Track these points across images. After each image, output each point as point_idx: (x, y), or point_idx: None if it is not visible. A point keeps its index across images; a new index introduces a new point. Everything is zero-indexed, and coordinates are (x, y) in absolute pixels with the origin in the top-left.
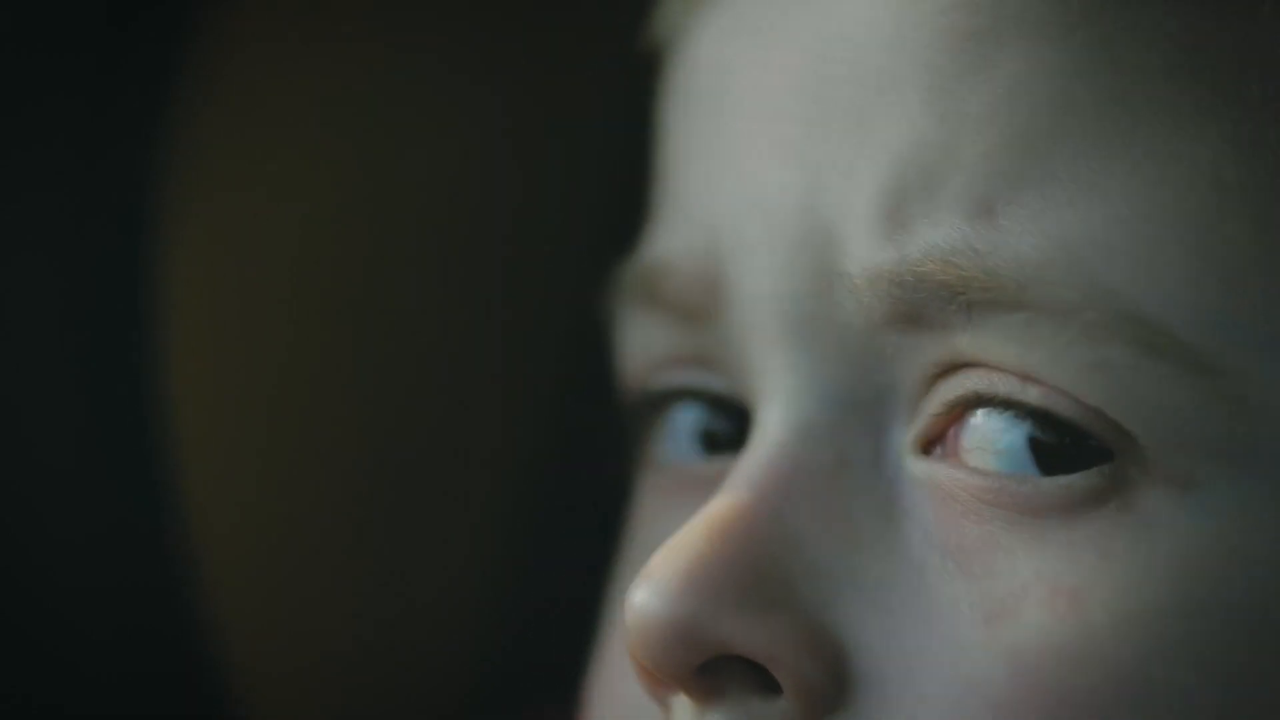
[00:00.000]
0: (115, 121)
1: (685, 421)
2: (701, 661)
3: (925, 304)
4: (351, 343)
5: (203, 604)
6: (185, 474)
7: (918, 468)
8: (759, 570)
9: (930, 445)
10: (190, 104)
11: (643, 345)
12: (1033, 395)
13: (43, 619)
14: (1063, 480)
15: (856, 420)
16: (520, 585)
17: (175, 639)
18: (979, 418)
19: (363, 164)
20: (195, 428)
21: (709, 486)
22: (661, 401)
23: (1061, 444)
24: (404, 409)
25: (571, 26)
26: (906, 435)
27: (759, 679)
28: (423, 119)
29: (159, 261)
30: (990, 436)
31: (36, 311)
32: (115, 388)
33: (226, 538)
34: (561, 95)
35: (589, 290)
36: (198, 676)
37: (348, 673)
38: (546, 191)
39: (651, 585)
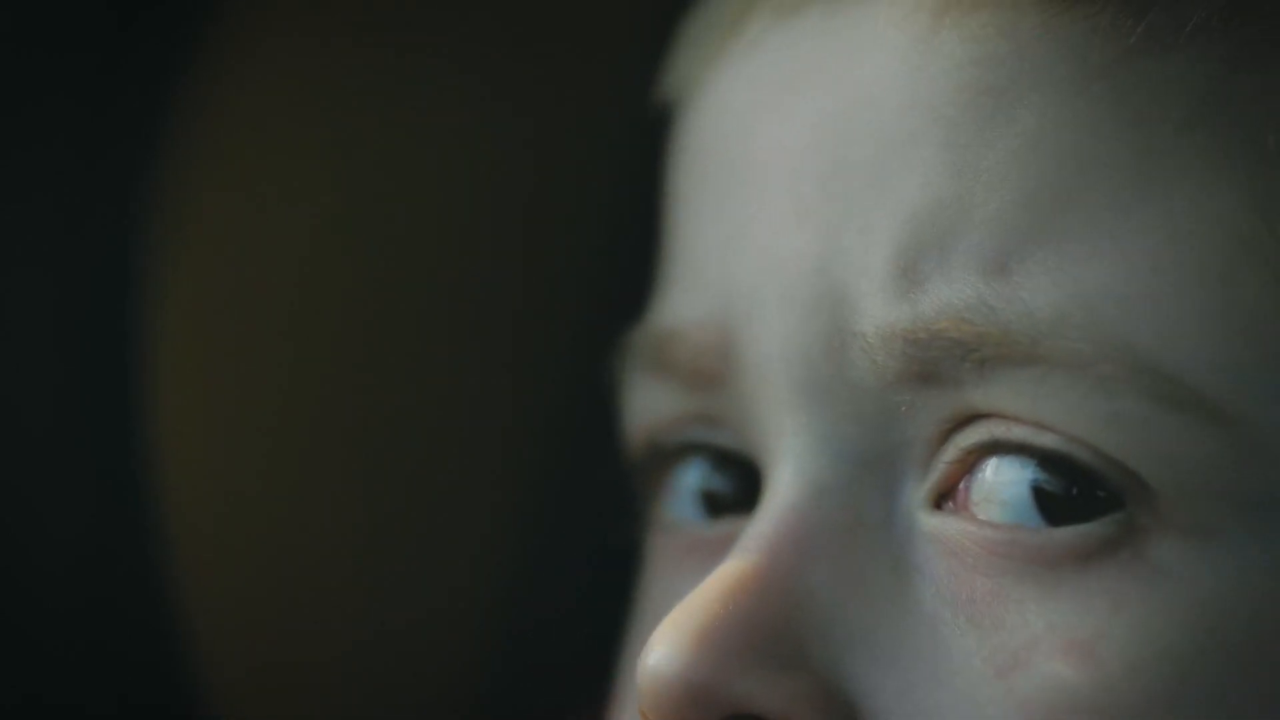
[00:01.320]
0: (115, 122)
1: (690, 481)
2: None
3: (939, 361)
4: (352, 348)
5: (196, 607)
6: (181, 477)
7: (930, 523)
8: (773, 630)
9: (942, 500)
10: (192, 105)
11: (651, 409)
12: (1049, 440)
13: (36, 616)
14: (1074, 530)
15: (869, 478)
16: (522, 594)
17: (170, 645)
18: (989, 469)
19: (367, 168)
20: (194, 431)
21: (717, 548)
22: (667, 460)
23: (1069, 494)
24: (406, 415)
25: (592, 68)
26: (920, 490)
27: None
28: (430, 124)
29: (157, 263)
30: (998, 487)
31: (32, 312)
32: (109, 388)
33: (224, 543)
34: (582, 123)
35: (613, 304)
36: (187, 677)
37: (343, 680)
38: (560, 199)
39: (665, 646)
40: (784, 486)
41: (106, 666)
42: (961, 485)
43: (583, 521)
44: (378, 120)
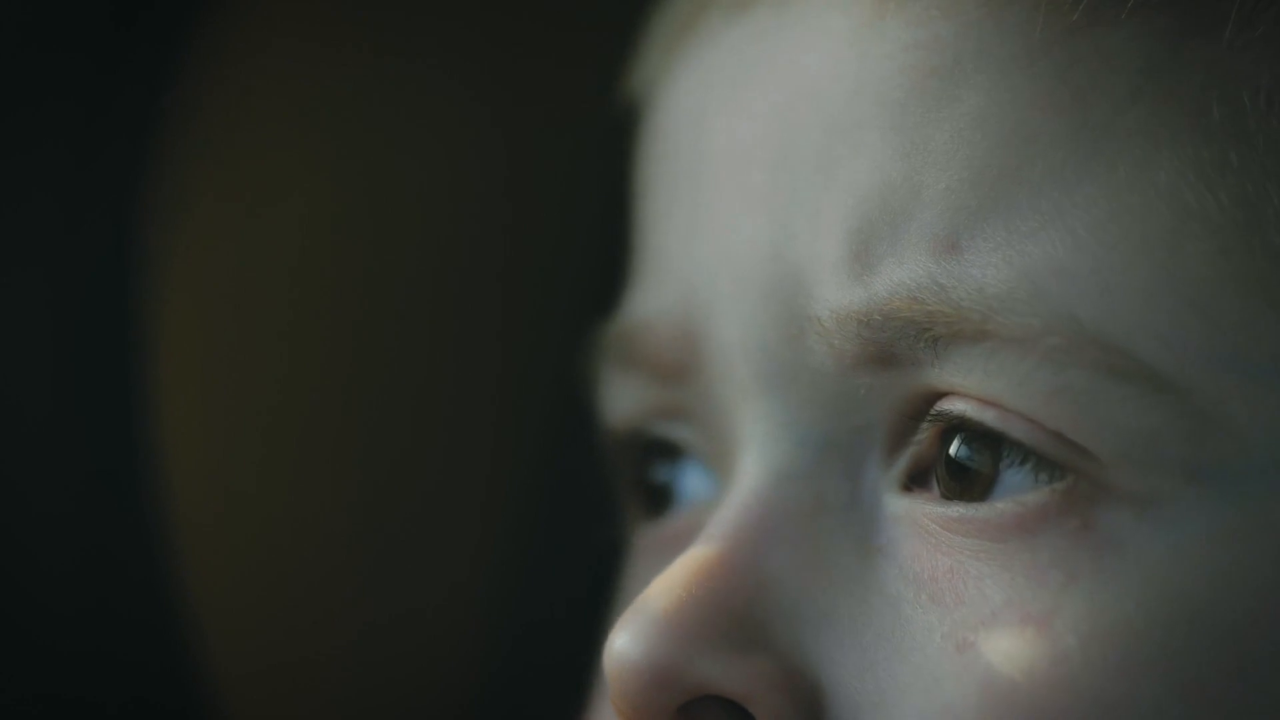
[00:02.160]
0: (111, 124)
1: (669, 476)
2: (680, 703)
3: (894, 342)
4: (347, 346)
5: (197, 606)
6: (181, 476)
7: (898, 505)
8: (735, 612)
9: (914, 481)
10: (187, 107)
11: (625, 403)
12: (989, 417)
13: (38, 616)
14: (1015, 499)
15: (832, 462)
16: (520, 592)
17: (173, 643)
18: (953, 447)
19: (360, 170)
20: (193, 431)
21: (689, 539)
22: (646, 456)
23: (1009, 467)
24: (403, 414)
25: (566, 72)
26: (884, 473)
27: (737, 718)
28: (421, 126)
29: (154, 264)
30: (957, 464)
31: (31, 313)
32: (108, 388)
33: (222, 543)
34: (579, 126)
35: (603, 304)
36: (189, 674)
37: (343, 677)
38: (546, 201)
39: (629, 631)
40: (747, 473)
41: (110, 664)
42: (931, 466)
43: (579, 519)
44: (368, 122)
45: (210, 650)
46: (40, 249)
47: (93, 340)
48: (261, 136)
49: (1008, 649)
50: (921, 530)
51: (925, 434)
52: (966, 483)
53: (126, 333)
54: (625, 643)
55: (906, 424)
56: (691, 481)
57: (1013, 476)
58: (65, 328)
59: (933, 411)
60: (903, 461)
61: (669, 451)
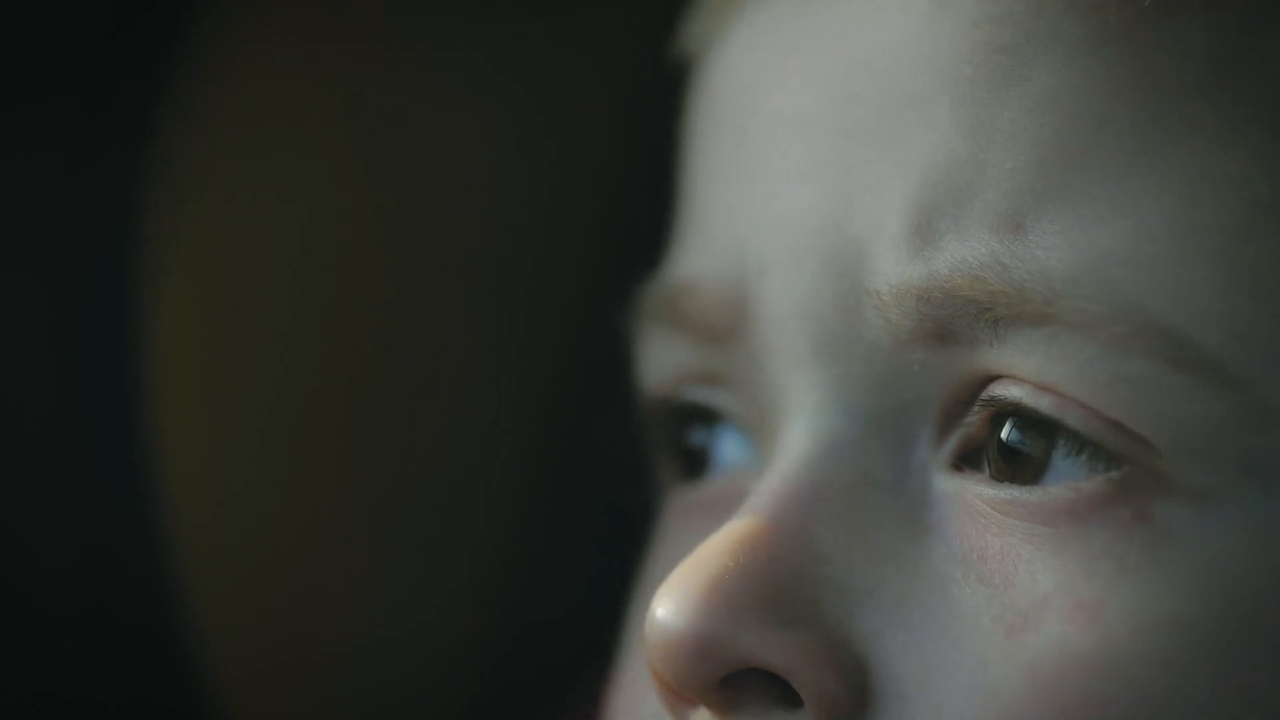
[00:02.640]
0: (108, 126)
1: (706, 440)
2: (722, 675)
3: (953, 320)
4: (347, 346)
5: (197, 607)
6: (180, 477)
7: (947, 483)
8: (780, 584)
9: (964, 461)
10: (186, 108)
11: (664, 364)
12: (1045, 404)
13: (39, 617)
14: (1067, 486)
15: (881, 436)
16: (520, 590)
17: (172, 643)
18: (1006, 430)
19: (362, 169)
20: (193, 432)
21: (728, 506)
22: (683, 419)
23: (1078, 454)
24: (403, 413)
25: (595, 36)
26: (935, 451)
27: (780, 692)
28: (426, 124)
29: (152, 266)
30: (1009, 448)
31: (29, 316)
32: (107, 390)
33: (224, 543)
34: (578, 108)
35: (599, 300)
36: (189, 675)
37: (339, 679)
38: (554, 199)
39: (673, 599)
40: (795, 443)
41: (110, 664)
42: (983, 446)
43: (580, 518)
44: (368, 120)
45: (210, 650)
46: (40, 249)
47: (92, 341)
48: (261, 136)
49: (1057, 635)
50: (971, 510)
51: (977, 416)
52: (1018, 465)
53: (126, 333)
54: (668, 612)
55: (958, 407)
56: (728, 447)
57: (1067, 465)
58: (64, 328)
59: (985, 396)
60: (953, 441)
61: (705, 416)
